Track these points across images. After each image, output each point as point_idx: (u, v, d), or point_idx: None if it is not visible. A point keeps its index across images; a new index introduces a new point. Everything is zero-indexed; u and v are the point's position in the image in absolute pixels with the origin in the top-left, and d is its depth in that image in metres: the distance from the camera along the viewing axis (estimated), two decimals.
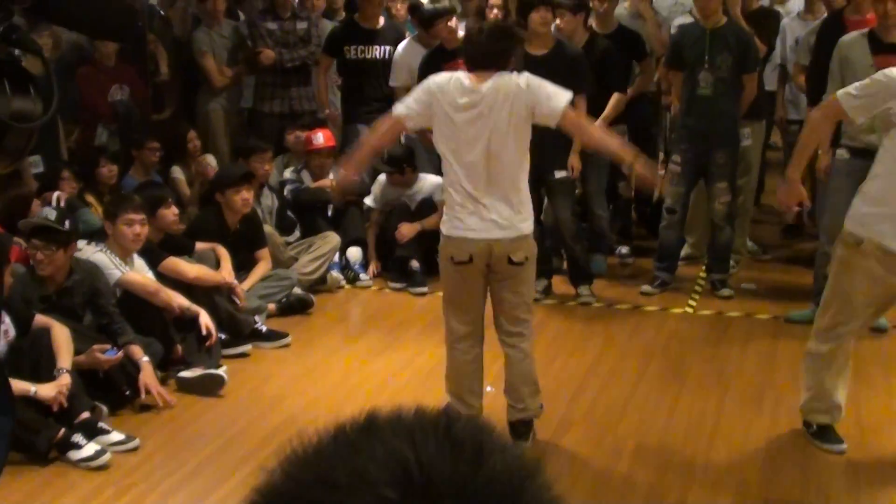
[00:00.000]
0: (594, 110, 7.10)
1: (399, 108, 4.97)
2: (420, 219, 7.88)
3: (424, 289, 7.62)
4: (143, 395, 5.58)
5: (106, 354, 5.47)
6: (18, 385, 4.89)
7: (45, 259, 5.60)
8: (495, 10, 8.37)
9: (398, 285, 7.77)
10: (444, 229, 4.93)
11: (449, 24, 7.69)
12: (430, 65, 7.63)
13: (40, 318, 5.35)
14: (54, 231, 5.62)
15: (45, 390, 5.02)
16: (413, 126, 5.19)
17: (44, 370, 5.16)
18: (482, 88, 4.77)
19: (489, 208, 4.80)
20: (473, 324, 5.04)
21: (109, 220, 6.14)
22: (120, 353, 5.54)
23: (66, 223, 5.72)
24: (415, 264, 7.74)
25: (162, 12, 9.53)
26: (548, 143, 7.10)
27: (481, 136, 4.77)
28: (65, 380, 5.11)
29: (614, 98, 7.49)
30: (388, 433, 0.79)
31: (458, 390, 5.12)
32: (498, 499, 0.76)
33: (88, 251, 6.02)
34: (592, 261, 7.80)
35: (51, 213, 5.76)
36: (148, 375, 5.61)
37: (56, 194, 6.78)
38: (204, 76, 8.80)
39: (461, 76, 4.83)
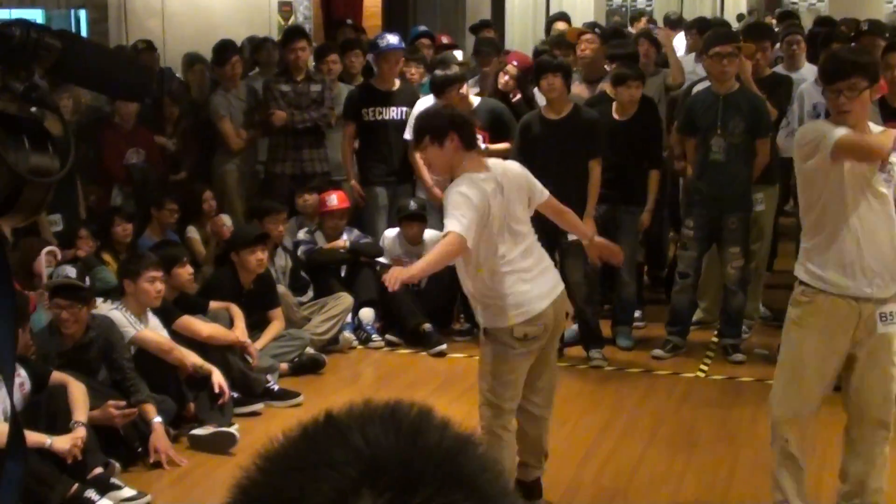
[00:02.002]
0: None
1: (462, 231, 4.63)
2: (432, 288, 7.97)
3: (443, 346, 7.65)
4: (152, 457, 5.59)
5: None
6: (34, 437, 4.93)
7: (71, 317, 5.67)
8: (506, 78, 8.48)
9: (413, 350, 7.79)
10: (509, 319, 4.80)
11: (459, 91, 7.78)
12: None
13: (57, 375, 5.40)
14: (78, 289, 5.69)
15: (60, 443, 5.05)
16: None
17: (60, 426, 5.20)
18: (490, 167, 4.85)
19: (540, 269, 4.92)
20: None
21: (130, 277, 6.19)
22: (134, 411, 5.58)
23: (87, 280, 5.80)
24: (427, 327, 7.77)
25: (179, 76, 9.66)
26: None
27: (504, 210, 4.82)
28: (80, 433, 5.14)
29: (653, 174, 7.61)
30: (343, 424, 0.93)
31: (517, 462, 5.08)
32: (436, 466, 0.89)
33: (104, 309, 6.08)
34: (618, 334, 7.80)
35: (70, 272, 5.83)
36: (159, 437, 5.64)
37: (46, 250, 6.71)
38: (220, 138, 8.90)
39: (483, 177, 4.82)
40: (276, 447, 0.94)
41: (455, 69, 7.94)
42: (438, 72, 7.97)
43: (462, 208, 4.62)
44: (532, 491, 5.13)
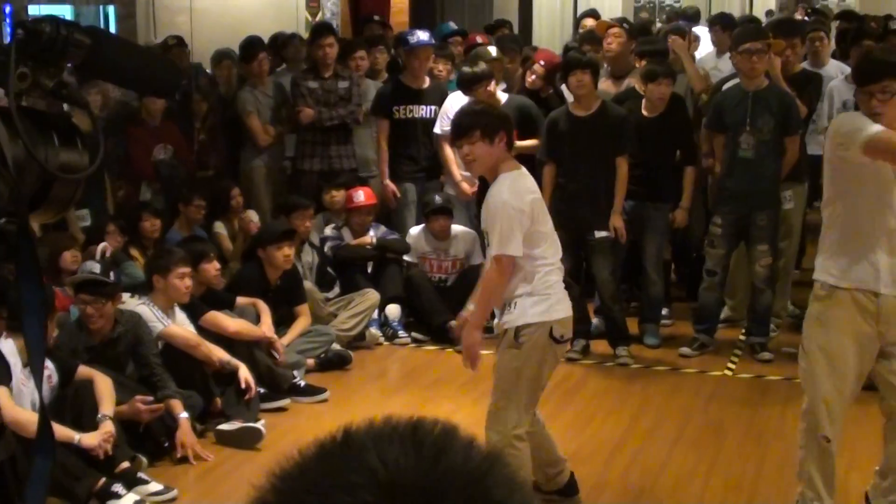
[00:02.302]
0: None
1: (514, 251, 4.69)
2: (458, 287, 8.01)
3: None
4: (178, 452, 5.62)
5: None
6: (62, 431, 4.97)
7: (96, 313, 5.70)
8: (533, 77, 8.45)
9: (438, 347, 7.79)
10: (549, 314, 4.76)
11: (488, 88, 7.75)
12: None
13: (84, 369, 5.43)
14: (101, 284, 5.72)
15: (88, 439, 5.08)
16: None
17: (86, 421, 5.23)
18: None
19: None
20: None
21: (160, 273, 6.21)
22: (160, 406, 5.60)
23: (111, 275, 5.82)
24: (453, 324, 7.76)
25: (208, 71, 9.69)
26: (588, 204, 7.16)
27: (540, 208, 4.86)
28: (108, 427, 5.16)
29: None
30: (360, 443, 0.89)
31: (536, 466, 5.04)
32: (460, 488, 0.85)
33: (132, 304, 6.11)
34: (645, 331, 7.78)
35: (94, 267, 5.86)
36: (185, 432, 5.66)
37: (101, 246, 6.86)
38: (248, 134, 8.92)
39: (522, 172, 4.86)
40: (291, 466, 0.91)
41: (483, 66, 7.91)
42: (466, 68, 7.95)
43: (506, 222, 4.64)
44: (572, 488, 5.14)
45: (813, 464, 4.67)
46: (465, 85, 7.83)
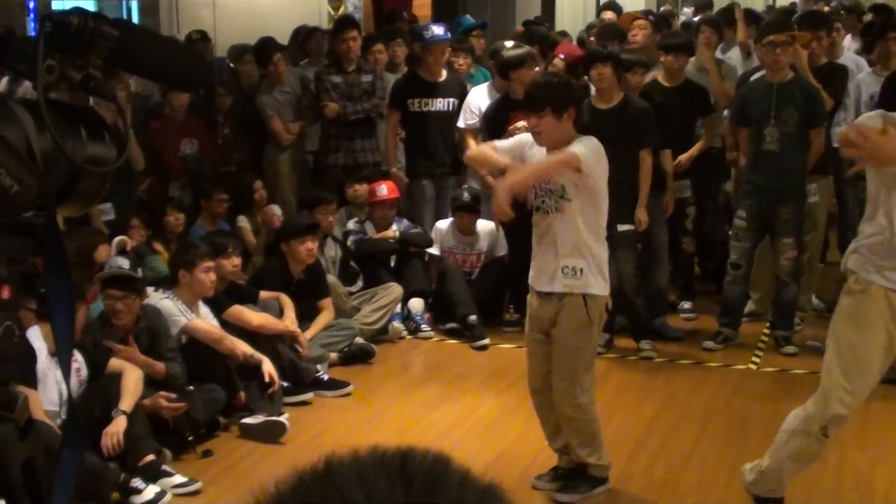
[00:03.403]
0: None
1: (580, 153, 4.84)
2: (482, 279, 8.07)
3: (486, 341, 7.63)
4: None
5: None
6: None
7: (124, 308, 5.71)
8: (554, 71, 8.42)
9: (461, 340, 7.78)
10: (607, 287, 5.04)
11: (531, 70, 7.66)
12: (498, 115, 7.70)
13: (115, 362, 5.46)
14: (131, 280, 5.73)
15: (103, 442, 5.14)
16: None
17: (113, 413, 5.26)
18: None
19: None
20: None
21: (185, 268, 6.22)
22: (182, 405, 5.61)
23: (139, 271, 5.84)
24: (473, 318, 7.76)
25: (231, 65, 9.70)
26: (611, 197, 7.12)
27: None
28: (119, 425, 5.17)
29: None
30: (342, 476, 0.80)
31: (599, 443, 5.19)
32: None
33: (156, 298, 6.13)
34: (661, 325, 7.76)
35: (123, 263, 5.86)
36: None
37: (118, 240, 6.82)
38: (271, 133, 8.94)
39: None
40: (267, 500, 0.84)
41: (525, 48, 7.83)
42: (508, 52, 7.87)
43: (583, 147, 4.82)
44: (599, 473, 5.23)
45: (790, 454, 4.64)
46: (508, 67, 7.74)
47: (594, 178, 4.87)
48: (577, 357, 4.99)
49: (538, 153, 4.97)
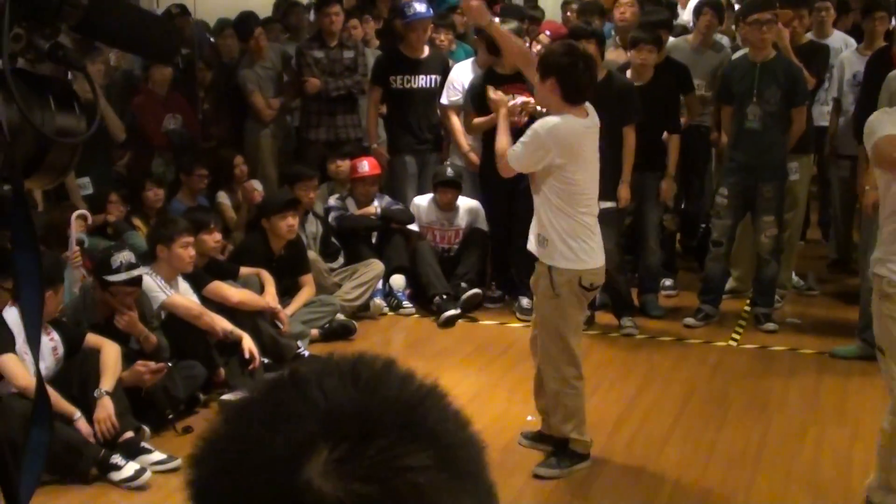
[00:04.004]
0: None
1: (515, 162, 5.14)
2: (456, 263, 8.07)
3: (452, 312, 7.62)
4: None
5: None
6: (63, 406, 4.99)
7: (133, 303, 5.69)
8: (539, 48, 8.38)
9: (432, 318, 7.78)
10: (580, 262, 5.03)
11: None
12: (484, 89, 7.67)
13: (92, 338, 5.42)
14: (139, 277, 5.71)
15: (85, 424, 5.11)
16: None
17: (91, 389, 5.23)
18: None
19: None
20: None
21: (164, 243, 6.18)
22: (162, 366, 5.58)
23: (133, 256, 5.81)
24: (438, 299, 7.74)
25: (212, 39, 9.64)
26: None
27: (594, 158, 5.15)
28: (107, 408, 5.15)
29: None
30: (303, 378, 0.94)
31: (581, 420, 5.20)
32: (394, 416, 0.91)
33: None
34: (645, 303, 7.77)
35: (131, 257, 5.72)
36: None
37: (77, 213, 6.64)
38: (252, 109, 8.89)
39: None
40: (242, 401, 0.96)
41: (515, 24, 7.78)
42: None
43: (529, 137, 5.01)
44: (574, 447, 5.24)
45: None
46: (494, 45, 7.70)
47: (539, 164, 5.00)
48: (545, 325, 5.13)
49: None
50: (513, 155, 5.04)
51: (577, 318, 5.18)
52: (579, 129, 5.01)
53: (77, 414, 5.08)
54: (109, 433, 5.15)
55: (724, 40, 9.27)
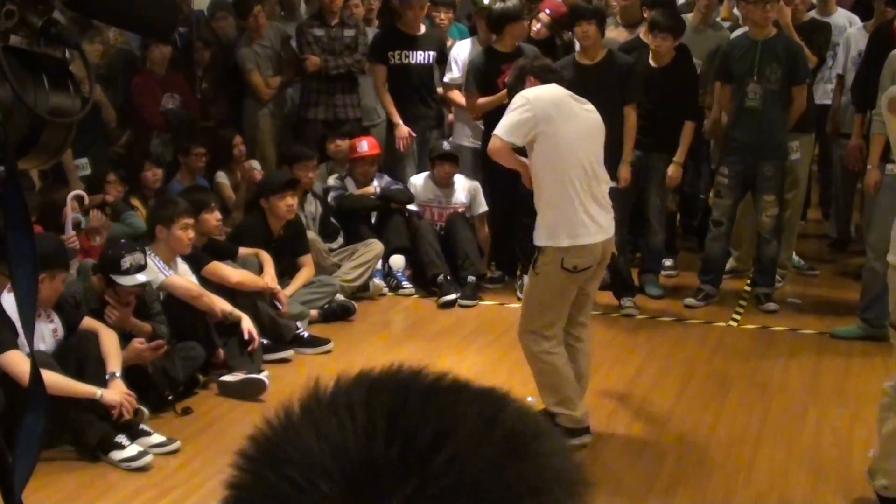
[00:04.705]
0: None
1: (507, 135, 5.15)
2: (451, 239, 8.00)
3: (451, 297, 7.60)
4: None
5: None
6: (84, 388, 4.97)
7: (128, 304, 5.67)
8: (539, 26, 8.33)
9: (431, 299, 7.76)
10: (562, 240, 4.98)
11: (524, 24, 7.66)
12: (488, 66, 7.67)
13: (89, 321, 5.40)
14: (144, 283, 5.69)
15: (110, 395, 5.06)
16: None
17: (89, 371, 5.20)
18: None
19: (599, 209, 5.08)
20: (562, 328, 5.20)
21: (163, 224, 6.15)
22: (162, 342, 5.56)
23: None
24: (440, 278, 7.71)
25: (209, 18, 9.58)
26: None
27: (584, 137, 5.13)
28: (121, 390, 5.12)
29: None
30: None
31: (565, 396, 5.17)
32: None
33: None
34: (646, 282, 7.75)
35: (142, 259, 5.66)
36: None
37: (73, 193, 6.60)
38: (251, 88, 8.84)
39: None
40: (268, 436, 0.80)
41: (513, 3, 7.73)
42: (497, 5, 7.78)
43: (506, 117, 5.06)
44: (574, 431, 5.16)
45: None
46: (500, 20, 7.69)
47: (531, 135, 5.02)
48: (527, 298, 5.29)
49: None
50: (501, 127, 5.05)
51: (554, 300, 5.09)
52: (565, 96, 5.10)
53: (98, 392, 5.04)
54: (129, 413, 5.11)
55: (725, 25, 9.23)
